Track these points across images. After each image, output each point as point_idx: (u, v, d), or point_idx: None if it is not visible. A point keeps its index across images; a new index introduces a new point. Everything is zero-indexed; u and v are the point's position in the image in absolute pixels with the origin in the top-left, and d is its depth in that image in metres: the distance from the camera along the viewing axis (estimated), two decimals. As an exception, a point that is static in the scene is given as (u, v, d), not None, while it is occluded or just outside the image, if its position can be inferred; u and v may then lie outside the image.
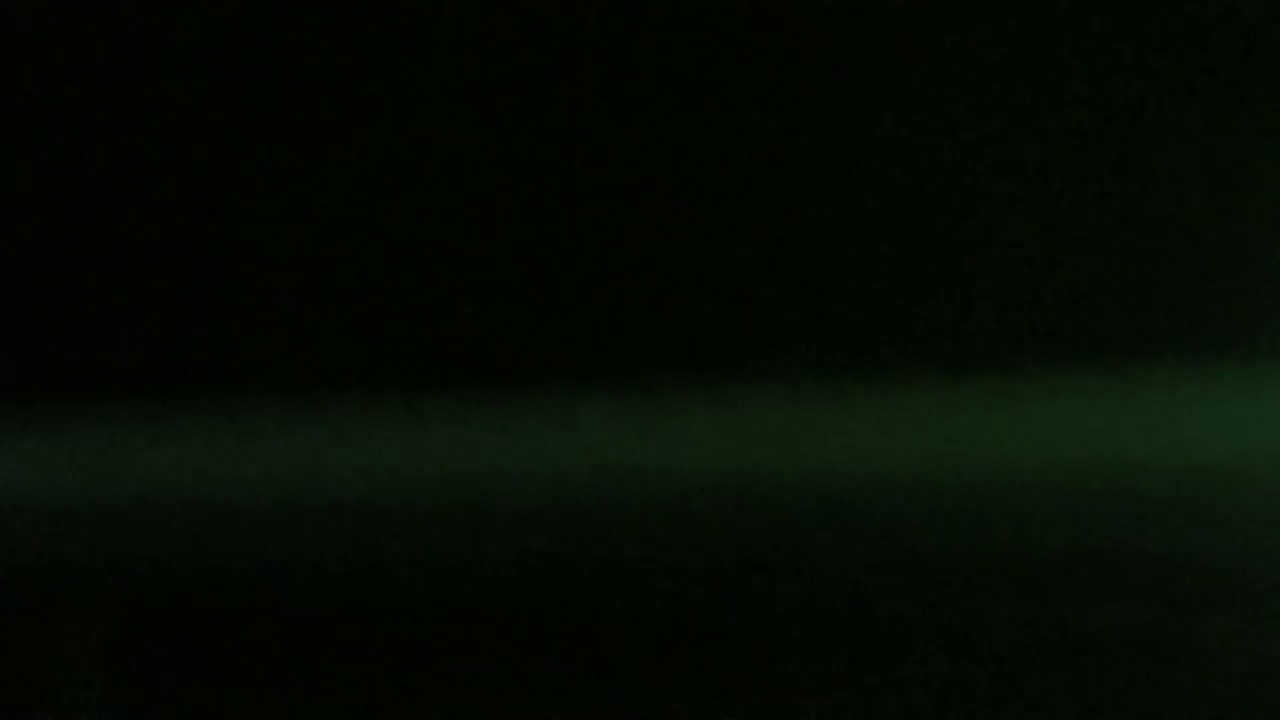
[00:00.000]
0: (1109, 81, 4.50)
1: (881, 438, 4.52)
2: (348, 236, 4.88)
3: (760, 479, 4.59)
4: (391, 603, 4.83)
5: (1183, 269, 4.46)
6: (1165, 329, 4.44)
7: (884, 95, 4.61)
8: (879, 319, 4.61)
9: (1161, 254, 4.47)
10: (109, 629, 4.95)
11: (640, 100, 4.72)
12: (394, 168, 4.84)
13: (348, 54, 4.85)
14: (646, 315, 4.73)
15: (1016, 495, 4.43)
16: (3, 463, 4.90)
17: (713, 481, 4.59)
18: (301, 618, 4.86)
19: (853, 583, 4.61)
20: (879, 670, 4.59)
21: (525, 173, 4.79)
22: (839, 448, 4.54)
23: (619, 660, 4.74)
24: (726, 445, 4.60)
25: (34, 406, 4.92)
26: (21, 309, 5.01)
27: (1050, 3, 4.52)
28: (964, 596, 4.55)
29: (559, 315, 4.77)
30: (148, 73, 4.94)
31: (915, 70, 4.59)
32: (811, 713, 4.59)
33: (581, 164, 4.76)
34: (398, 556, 4.79)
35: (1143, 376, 4.40)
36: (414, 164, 4.83)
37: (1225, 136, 4.45)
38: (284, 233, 4.90)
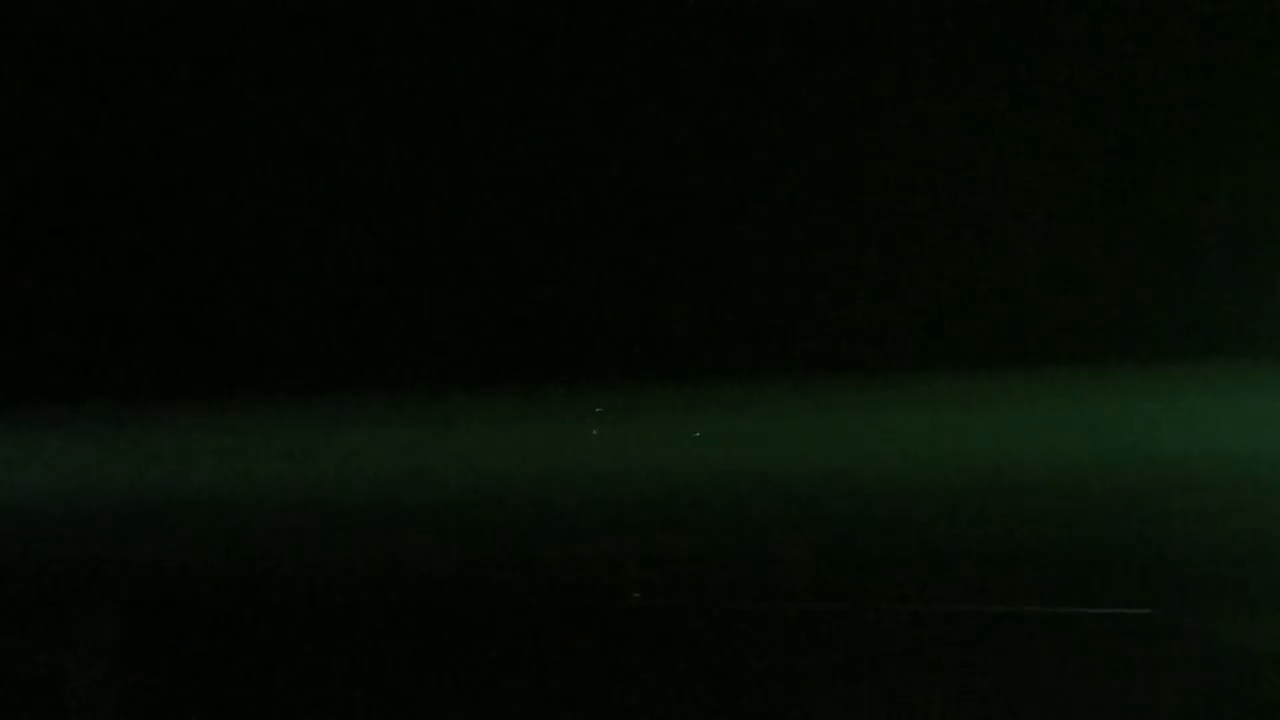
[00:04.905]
0: (1110, 84, 4.51)
1: (881, 438, 4.52)
2: (345, 238, 4.88)
3: (759, 478, 4.59)
4: (390, 602, 4.83)
5: (1184, 270, 4.46)
6: (1166, 329, 4.45)
7: (888, 98, 4.61)
8: (879, 320, 4.61)
9: (1163, 255, 4.48)
10: (109, 629, 4.95)
11: (642, 104, 4.72)
12: (392, 171, 4.85)
13: (347, 55, 4.85)
14: (647, 316, 4.74)
15: (1016, 495, 4.43)
16: (3, 463, 4.91)
17: (713, 481, 4.60)
18: (302, 617, 4.86)
19: (851, 580, 4.61)
20: (878, 666, 4.59)
21: (525, 176, 4.79)
22: (838, 448, 4.55)
23: (615, 657, 4.75)
24: (728, 445, 4.61)
25: (34, 406, 4.92)
26: (21, 309, 5.01)
27: (1053, 5, 4.52)
28: (963, 593, 4.55)
29: (559, 316, 4.78)
30: (148, 75, 4.94)
31: (917, 73, 4.59)
32: (810, 709, 4.59)
33: (580, 168, 4.76)
34: (396, 556, 4.79)
35: (1144, 376, 4.41)
36: (413, 167, 4.84)
37: (1225, 137, 4.45)
38: (282, 234, 4.90)
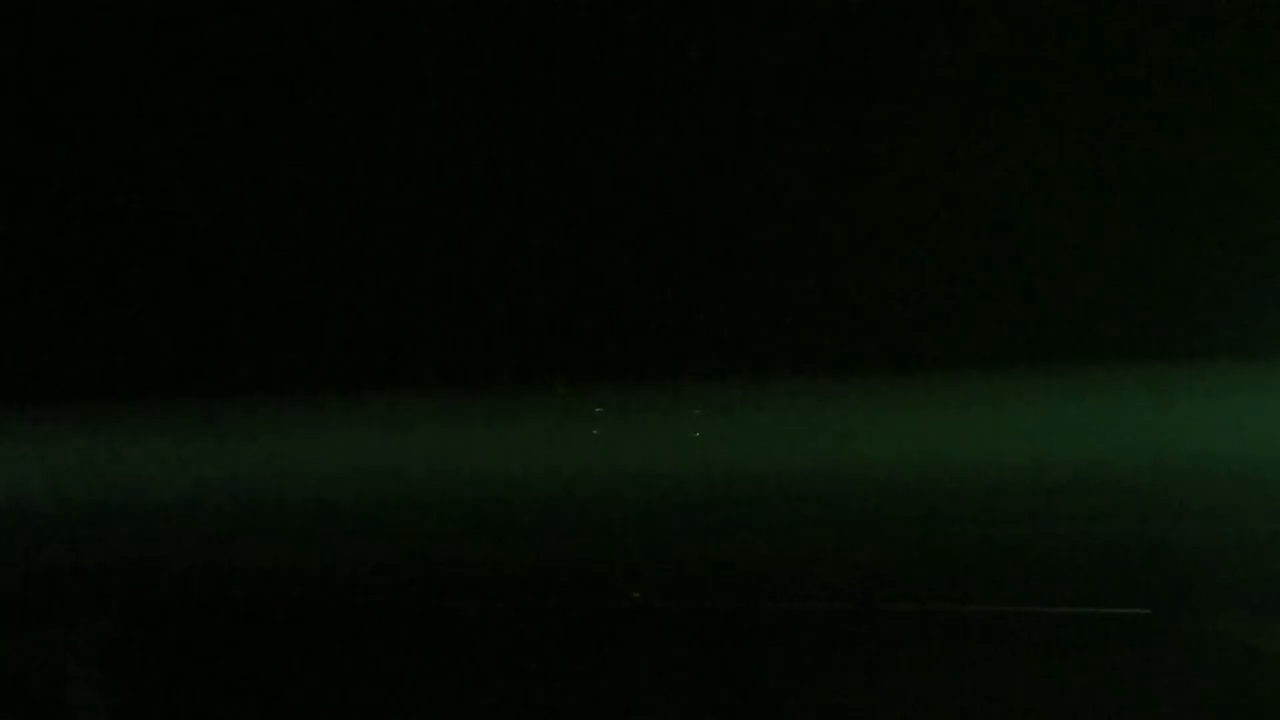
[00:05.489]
0: (1109, 83, 4.51)
1: (882, 438, 4.52)
2: (344, 237, 4.88)
3: (759, 478, 4.59)
4: (390, 602, 4.83)
5: (1185, 270, 4.46)
6: (1166, 329, 4.45)
7: (887, 98, 4.61)
8: (880, 320, 4.61)
9: (1163, 255, 4.48)
10: (109, 629, 4.95)
11: (641, 104, 4.72)
12: (392, 170, 4.85)
13: (344, 54, 4.85)
14: (647, 316, 4.74)
15: (1016, 495, 4.43)
16: (3, 463, 4.90)
17: (713, 481, 4.60)
18: (301, 617, 4.86)
19: (850, 580, 4.61)
20: (878, 666, 4.59)
21: (523, 175, 4.79)
22: (838, 448, 4.55)
23: (615, 657, 4.75)
24: (728, 445, 4.61)
25: (34, 406, 4.92)
26: (21, 309, 5.01)
27: (1053, 5, 4.53)
28: (963, 594, 4.56)
29: (559, 316, 4.78)
30: (147, 74, 4.94)
31: (917, 72, 4.60)
32: (810, 709, 4.59)
33: (580, 167, 4.76)
34: (396, 556, 4.79)
35: (1144, 377, 4.41)
36: (412, 167, 4.84)
37: (1226, 137, 4.46)
38: (281, 233, 4.91)
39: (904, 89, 4.60)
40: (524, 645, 4.78)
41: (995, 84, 4.56)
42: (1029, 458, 4.43)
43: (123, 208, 4.98)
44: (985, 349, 4.53)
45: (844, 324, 4.62)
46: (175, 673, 4.90)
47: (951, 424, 4.47)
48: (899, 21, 4.59)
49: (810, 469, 4.52)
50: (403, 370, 4.81)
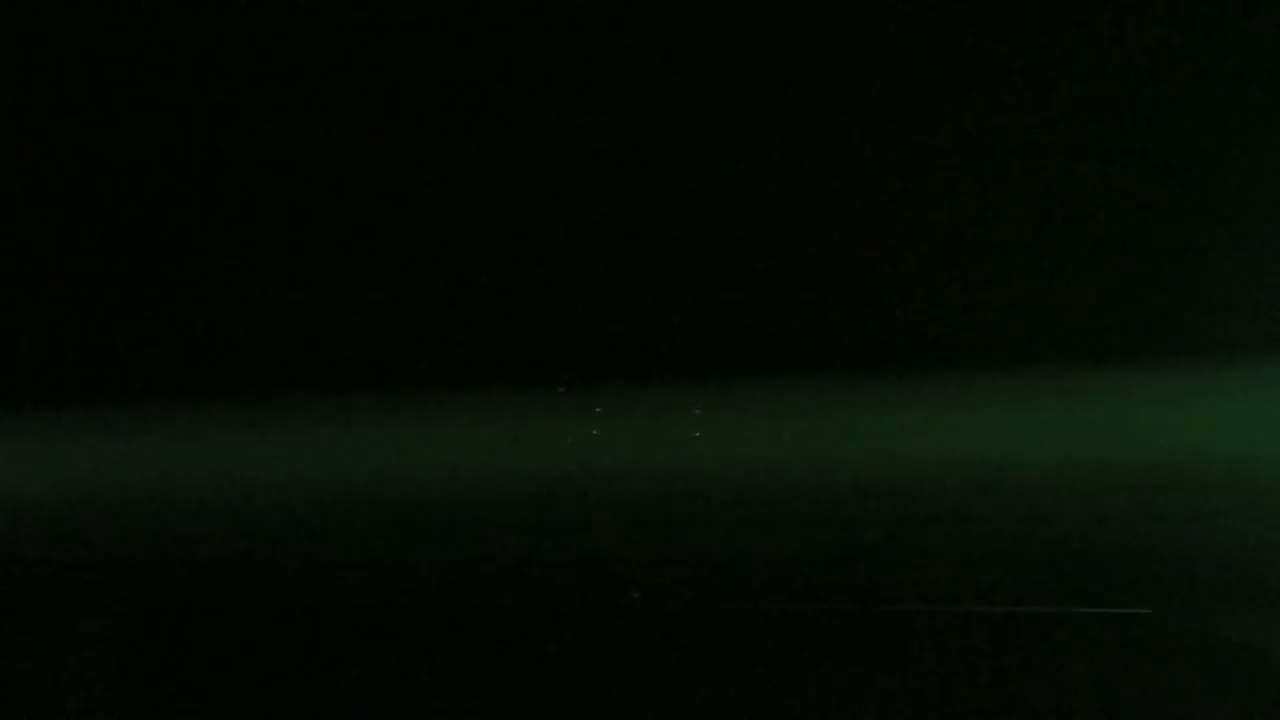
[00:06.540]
0: (1109, 81, 4.51)
1: (882, 438, 4.52)
2: (344, 238, 4.88)
3: (759, 478, 4.59)
4: (390, 602, 4.83)
5: (1184, 270, 4.46)
6: (1165, 329, 4.45)
7: (887, 98, 4.61)
8: (880, 320, 4.61)
9: (1162, 255, 4.48)
10: (108, 629, 4.95)
11: (641, 103, 4.72)
12: (393, 169, 4.85)
13: (347, 55, 4.85)
14: (646, 316, 4.73)
15: (1016, 495, 4.43)
16: (3, 463, 4.91)
17: (713, 481, 4.60)
18: (302, 617, 4.86)
19: (852, 580, 4.61)
20: (877, 666, 4.59)
21: (524, 173, 4.79)
22: (839, 448, 4.55)
23: (615, 657, 4.75)
24: (729, 445, 4.61)
25: (34, 406, 4.92)
26: (21, 310, 5.01)
27: (1052, 3, 4.52)
28: (963, 594, 4.56)
29: (559, 316, 4.78)
30: (148, 73, 4.94)
31: (916, 72, 4.59)
32: (811, 709, 4.59)
33: (580, 167, 4.76)
34: (397, 556, 4.79)
35: (1142, 377, 4.41)
36: (412, 166, 4.84)
37: (1226, 136, 4.45)
38: (282, 233, 4.91)
39: (903, 88, 4.60)
40: (524, 645, 4.78)
41: (994, 86, 4.56)
42: (1030, 458, 4.43)
43: (123, 209, 4.98)
44: (987, 349, 4.53)
45: (844, 324, 4.62)
46: (175, 673, 4.90)
47: (952, 424, 4.47)
48: (903, 21, 4.59)
49: (810, 469, 4.52)
50: (403, 370, 4.81)
